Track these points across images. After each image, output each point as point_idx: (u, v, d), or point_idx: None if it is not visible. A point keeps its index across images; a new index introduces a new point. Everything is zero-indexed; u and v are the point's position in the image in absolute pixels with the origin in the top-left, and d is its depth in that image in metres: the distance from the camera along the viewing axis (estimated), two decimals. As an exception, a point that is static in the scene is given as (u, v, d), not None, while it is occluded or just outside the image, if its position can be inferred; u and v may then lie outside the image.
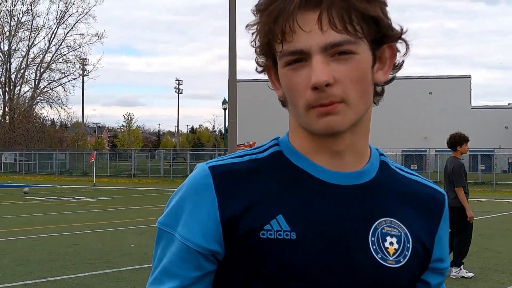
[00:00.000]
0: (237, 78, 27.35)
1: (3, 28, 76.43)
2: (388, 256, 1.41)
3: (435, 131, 66.49)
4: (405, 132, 67.03)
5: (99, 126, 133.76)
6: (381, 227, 1.42)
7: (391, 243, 1.42)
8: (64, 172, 56.94)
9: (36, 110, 78.06)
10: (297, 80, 1.34)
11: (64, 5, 77.41)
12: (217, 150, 64.73)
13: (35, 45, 79.27)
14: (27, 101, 77.76)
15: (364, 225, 1.41)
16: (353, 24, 1.32)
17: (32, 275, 10.52)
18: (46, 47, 77.83)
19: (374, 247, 1.40)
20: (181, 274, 1.40)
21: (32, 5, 76.14)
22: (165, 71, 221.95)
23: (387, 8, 1.39)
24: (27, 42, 77.40)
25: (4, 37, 76.80)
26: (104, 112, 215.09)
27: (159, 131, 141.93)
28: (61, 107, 77.45)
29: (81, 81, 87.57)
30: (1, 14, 75.85)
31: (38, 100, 77.93)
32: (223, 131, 77.84)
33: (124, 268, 11.19)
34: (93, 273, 10.78)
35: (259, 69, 1.46)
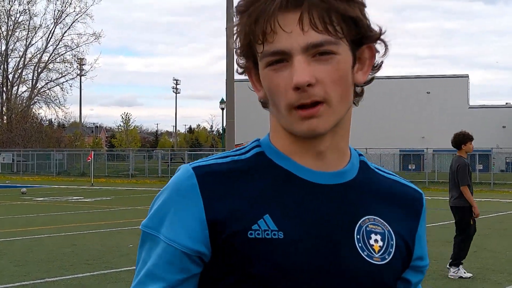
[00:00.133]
0: (235, 78, 27.37)
1: (0, 28, 76.42)
2: (374, 253, 1.42)
3: (433, 130, 66.58)
4: (403, 131, 67.07)
5: (97, 126, 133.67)
6: (366, 225, 1.43)
7: (376, 241, 1.43)
8: (62, 172, 56.91)
9: (33, 110, 78.10)
10: (278, 81, 1.34)
11: (61, 4, 77.33)
12: (215, 150, 64.76)
13: (32, 44, 79.36)
14: (24, 101, 77.70)
15: (349, 223, 1.42)
16: (334, 25, 1.33)
17: (30, 276, 10.51)
18: (43, 46, 77.89)
19: (359, 244, 1.41)
20: (166, 276, 1.38)
21: (30, 4, 76.15)
22: (163, 72, 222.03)
23: (366, 9, 1.41)
24: (25, 41, 77.45)
25: (1, 37, 76.78)
26: (102, 112, 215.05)
27: (157, 131, 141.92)
28: (59, 107, 77.45)
29: (79, 81, 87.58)
30: (-1, 14, 75.75)
31: (35, 100, 77.91)
32: (221, 131, 77.84)
33: (122, 269, 11.18)
34: (91, 273, 10.78)
35: (240, 70, 1.47)
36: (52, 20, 78.54)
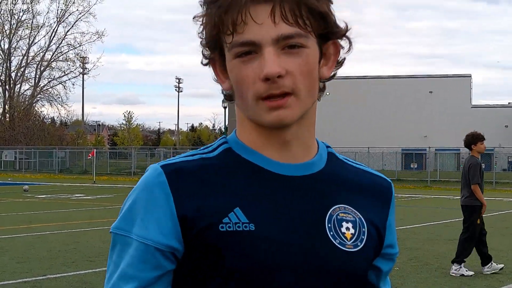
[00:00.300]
0: (237, 76, 27.45)
1: (4, 27, 76.50)
2: (346, 241, 1.43)
3: (435, 130, 66.55)
4: (405, 130, 67.02)
5: (99, 124, 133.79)
6: (336, 214, 1.44)
7: (348, 228, 1.44)
8: (64, 170, 56.98)
9: (36, 108, 78.17)
10: (246, 72, 1.35)
11: (64, 3, 77.37)
12: (217, 149, 64.60)
13: (35, 43, 79.42)
14: (27, 99, 77.78)
15: (320, 213, 1.43)
16: (304, 18, 1.35)
17: (32, 273, 10.53)
18: (46, 45, 77.95)
19: (331, 233, 1.42)
20: (140, 275, 1.38)
21: (33, 3, 76.19)
22: (165, 70, 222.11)
23: (332, 6, 1.42)
24: (28, 40, 77.52)
25: (5, 35, 76.86)
26: (104, 111, 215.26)
27: (159, 129, 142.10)
28: (61, 105, 77.58)
29: (81, 79, 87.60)
30: (2, 13, 75.92)
31: (38, 98, 78.00)
32: (223, 130, 77.83)
33: (124, 266, 11.17)
34: (93, 270, 10.78)
35: (204, 61, 1.46)
36: (55, 19, 78.70)
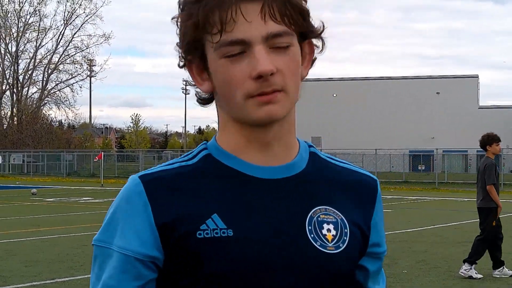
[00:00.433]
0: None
1: (11, 29, 76.71)
2: (327, 243, 1.42)
3: (443, 131, 66.40)
4: (412, 132, 66.90)
5: (107, 127, 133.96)
6: (317, 216, 1.44)
7: (329, 230, 1.43)
8: (72, 173, 57.07)
9: (43, 111, 78.40)
10: (234, 72, 1.34)
11: (71, 6, 77.58)
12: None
13: (42, 46, 79.50)
14: (34, 102, 78.01)
15: (300, 215, 1.42)
16: (289, 17, 1.35)
17: (41, 276, 10.56)
18: (53, 48, 78.17)
19: (312, 235, 1.41)
20: (121, 286, 1.39)
21: (40, 6, 76.43)
22: (172, 72, 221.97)
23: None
24: (35, 43, 77.73)
25: (12, 38, 77.09)
26: (112, 113, 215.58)
27: (166, 132, 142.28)
28: (69, 108, 77.74)
29: (89, 82, 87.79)
30: (9, 15, 76.15)
31: (45, 101, 78.22)
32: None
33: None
34: (101, 274, 10.79)
35: (181, 64, 1.45)
36: (62, 22, 78.86)
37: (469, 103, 67.77)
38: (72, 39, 78.21)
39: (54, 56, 77.93)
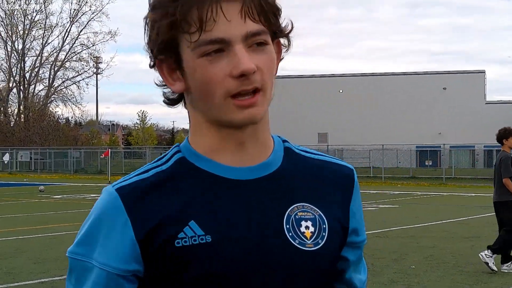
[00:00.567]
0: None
1: (17, 27, 76.87)
2: (306, 240, 1.42)
3: (450, 127, 66.27)
4: (419, 128, 66.79)
5: (113, 124, 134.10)
6: (294, 213, 1.43)
7: (307, 227, 1.43)
8: (79, 170, 57.21)
9: (50, 108, 78.54)
10: (214, 71, 1.33)
11: (77, 3, 77.67)
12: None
13: (49, 43, 79.83)
14: (41, 99, 78.16)
15: (277, 214, 1.42)
16: (265, 16, 1.36)
17: (49, 273, 10.59)
18: (60, 45, 78.29)
19: (290, 234, 1.41)
20: None
21: (46, 3, 76.52)
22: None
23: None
24: (41, 40, 77.89)
25: (18, 36, 77.24)
26: (118, 110, 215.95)
27: (173, 128, 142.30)
28: (76, 105, 77.91)
29: (95, 79, 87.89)
30: (15, 13, 76.29)
31: (52, 99, 78.37)
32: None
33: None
34: (109, 270, 10.82)
35: (152, 63, 1.43)
36: (68, 19, 79.01)
37: (475, 99, 67.59)
38: (78, 36, 78.40)
39: (60, 53, 78.17)
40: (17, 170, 59.20)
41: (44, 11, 77.26)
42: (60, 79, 78.56)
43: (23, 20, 76.75)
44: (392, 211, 21.68)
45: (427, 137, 64.22)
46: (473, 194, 29.51)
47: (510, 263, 10.72)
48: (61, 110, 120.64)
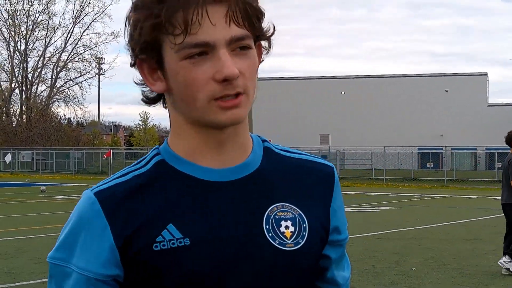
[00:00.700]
0: (253, 76, 27.44)
1: (20, 28, 76.94)
2: (286, 240, 1.42)
3: (452, 129, 66.24)
4: (421, 130, 66.77)
5: (115, 125, 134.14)
6: (274, 214, 1.43)
7: (287, 227, 1.43)
8: (81, 170, 57.24)
9: (52, 109, 78.62)
10: (197, 74, 1.33)
11: (80, 4, 77.71)
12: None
13: (51, 44, 79.98)
14: (43, 100, 78.22)
15: (257, 215, 1.42)
16: (249, 20, 1.36)
17: (50, 273, 10.58)
18: (62, 46, 78.33)
19: (270, 234, 1.41)
20: None
21: (49, 4, 76.58)
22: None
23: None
24: (44, 41, 77.93)
25: (21, 37, 77.31)
26: (120, 111, 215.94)
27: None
28: (78, 106, 78.00)
29: (97, 80, 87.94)
30: (18, 14, 76.36)
31: (54, 99, 78.45)
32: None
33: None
34: (110, 271, 10.83)
35: (132, 62, 1.43)
36: (71, 20, 78.91)
37: (478, 101, 67.57)
38: (81, 37, 78.48)
39: (63, 54, 78.21)
40: (19, 170, 59.24)
41: (47, 12, 77.36)
42: (62, 79, 78.70)
43: (26, 20, 76.89)
44: (393, 213, 21.67)
45: (429, 139, 64.20)
46: (475, 196, 29.49)
47: (509, 260, 10.68)
48: (63, 111, 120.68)
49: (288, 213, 1.44)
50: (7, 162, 60.21)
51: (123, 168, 1.47)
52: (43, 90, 79.38)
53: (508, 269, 10.46)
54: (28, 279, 10.17)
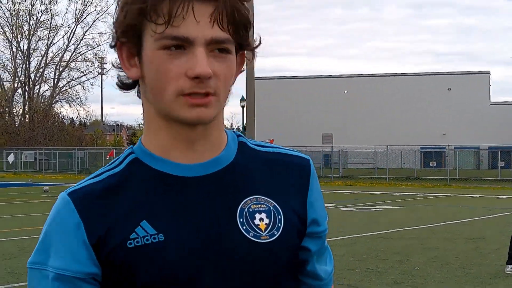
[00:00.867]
0: (255, 76, 27.40)
1: (22, 27, 77.00)
2: (261, 233, 1.42)
3: (454, 127, 66.19)
4: (424, 128, 66.75)
5: (118, 125, 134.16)
6: (248, 206, 1.43)
7: (261, 219, 1.43)
8: (84, 170, 57.23)
9: (55, 109, 78.70)
10: (170, 66, 1.34)
11: (82, 4, 77.79)
12: (235, 148, 64.67)
13: (54, 44, 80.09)
14: (46, 100, 78.28)
15: (230, 208, 1.42)
16: (235, 26, 1.36)
17: (53, 273, 10.59)
18: (65, 46, 78.37)
19: (244, 227, 1.41)
20: None
21: (51, 4, 76.66)
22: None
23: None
24: (46, 41, 77.95)
25: (24, 36, 77.36)
26: (123, 111, 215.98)
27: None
28: (80, 106, 78.00)
29: (100, 79, 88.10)
30: (20, 14, 76.43)
31: (57, 99, 78.47)
32: (241, 129, 78.05)
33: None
34: (113, 271, 10.83)
35: (113, 43, 1.43)
36: (74, 19, 79.05)
37: (480, 100, 67.52)
38: (83, 37, 78.50)
39: (65, 54, 78.27)
40: (22, 170, 59.30)
41: (49, 12, 77.44)
42: (65, 79, 78.73)
43: (28, 20, 76.94)
44: (396, 212, 21.66)
45: (431, 138, 64.17)
46: (478, 195, 29.43)
47: None
48: (65, 111, 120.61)
49: (263, 206, 1.44)
50: (10, 162, 60.28)
51: (99, 169, 1.48)
52: (46, 90, 79.51)
53: None
54: (31, 279, 10.16)
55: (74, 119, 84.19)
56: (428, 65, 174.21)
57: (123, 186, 1.42)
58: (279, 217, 1.44)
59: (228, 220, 1.41)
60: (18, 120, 77.61)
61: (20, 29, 76.85)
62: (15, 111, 78.54)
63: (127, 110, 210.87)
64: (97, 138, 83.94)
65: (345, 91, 70.36)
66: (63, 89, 78.60)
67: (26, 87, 77.21)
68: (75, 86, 78.57)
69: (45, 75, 78.43)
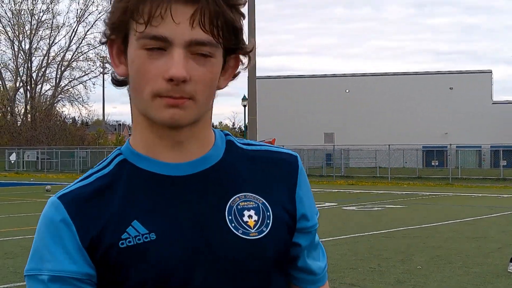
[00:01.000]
0: (257, 75, 27.42)
1: (24, 27, 77.06)
2: (250, 229, 1.42)
3: (456, 126, 66.18)
4: (426, 128, 66.73)
5: (120, 124, 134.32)
6: (236, 204, 1.44)
7: (250, 216, 1.43)
8: (86, 170, 56.82)
9: (57, 108, 78.77)
10: (150, 67, 1.34)
11: (84, 3, 77.87)
12: (237, 147, 64.70)
13: (55, 43, 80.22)
14: (48, 99, 78.36)
15: (219, 206, 1.43)
16: (219, 29, 1.35)
17: (56, 273, 10.60)
18: (66, 45, 78.58)
19: (233, 224, 1.42)
20: None
21: (52, 3, 76.73)
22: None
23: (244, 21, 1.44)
24: (48, 40, 78.06)
25: (25, 36, 77.43)
26: (125, 110, 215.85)
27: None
28: (82, 105, 78.09)
29: (102, 79, 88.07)
30: (22, 13, 76.49)
31: (59, 99, 78.58)
32: (243, 128, 77.86)
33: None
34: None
35: (103, 40, 1.44)
36: (75, 19, 79.20)
37: (482, 99, 67.50)
38: (85, 36, 78.70)
39: (67, 53, 78.35)
40: (24, 169, 59.35)
41: (51, 11, 77.56)
42: (66, 79, 78.83)
43: (30, 20, 77.03)
44: (398, 211, 21.65)
45: (433, 137, 64.18)
46: (480, 194, 29.40)
47: None
48: (67, 110, 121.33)
49: (251, 203, 1.45)
50: (12, 162, 60.33)
51: (88, 171, 1.49)
52: (48, 90, 79.62)
53: None
54: (34, 279, 10.17)
55: (76, 118, 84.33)
56: (430, 64, 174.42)
57: (112, 187, 1.43)
58: (268, 213, 1.45)
59: (218, 218, 1.42)
60: (20, 120, 77.71)
61: (22, 28, 76.94)
62: (17, 111, 78.66)
63: (129, 109, 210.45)
64: (99, 138, 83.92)
65: (347, 90, 70.34)
66: (65, 88, 78.72)
67: (28, 87, 77.29)
68: (77, 85, 78.79)
69: (47, 75, 78.62)
